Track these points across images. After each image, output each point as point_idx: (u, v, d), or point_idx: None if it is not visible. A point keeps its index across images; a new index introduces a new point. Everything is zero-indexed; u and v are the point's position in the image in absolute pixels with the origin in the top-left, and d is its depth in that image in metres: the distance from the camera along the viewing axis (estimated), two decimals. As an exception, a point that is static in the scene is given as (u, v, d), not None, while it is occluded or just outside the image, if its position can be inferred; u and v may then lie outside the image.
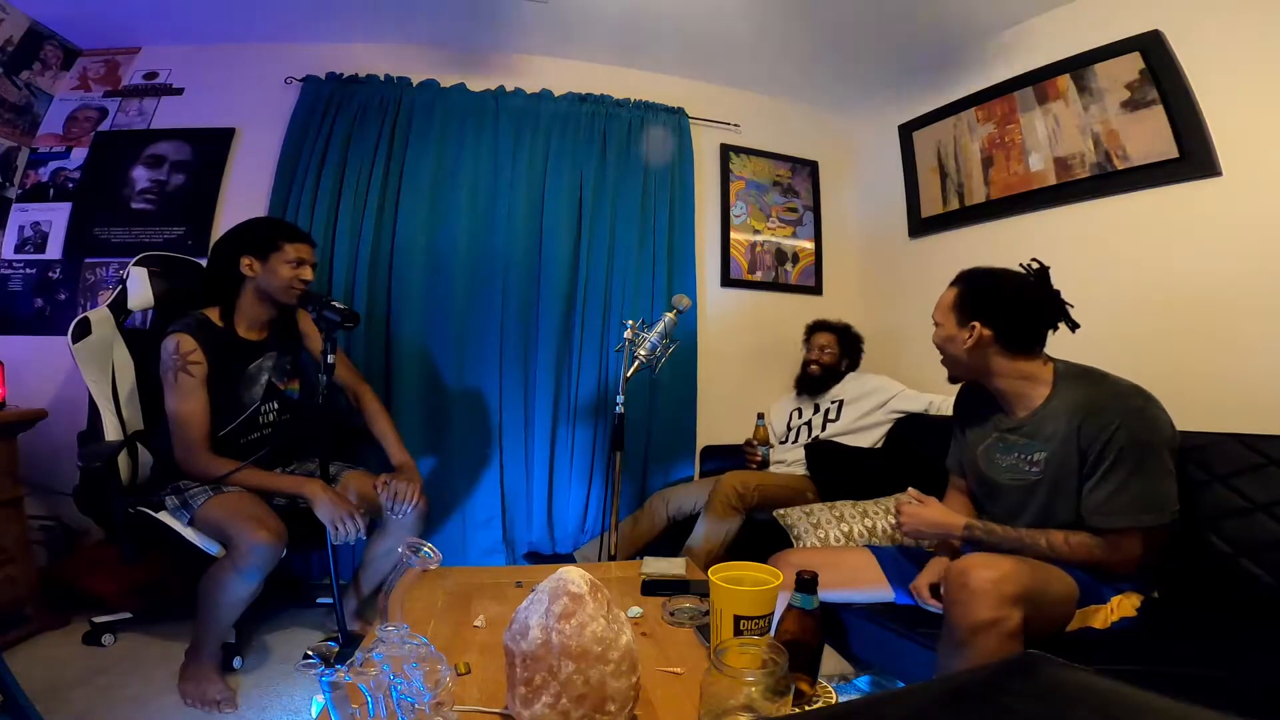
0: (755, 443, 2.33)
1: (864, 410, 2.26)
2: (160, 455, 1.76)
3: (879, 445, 2.23)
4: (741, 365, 2.85)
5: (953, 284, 1.35)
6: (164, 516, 1.57)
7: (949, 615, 1.07)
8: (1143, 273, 1.88)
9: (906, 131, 2.70)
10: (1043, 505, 1.23)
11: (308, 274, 1.69)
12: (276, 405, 1.77)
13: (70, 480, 1.72)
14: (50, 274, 2.37)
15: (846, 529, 1.77)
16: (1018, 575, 1.04)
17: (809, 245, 3.01)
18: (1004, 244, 2.31)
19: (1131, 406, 1.14)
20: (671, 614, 1.23)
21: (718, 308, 2.84)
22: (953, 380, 1.43)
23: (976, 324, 1.26)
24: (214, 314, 1.68)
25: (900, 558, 1.44)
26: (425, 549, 0.82)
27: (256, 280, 1.67)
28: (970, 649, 1.00)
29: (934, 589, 1.28)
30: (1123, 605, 1.15)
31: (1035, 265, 1.29)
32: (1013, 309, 1.25)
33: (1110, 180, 1.96)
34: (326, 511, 1.53)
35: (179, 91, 2.50)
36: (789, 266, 2.96)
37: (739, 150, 2.90)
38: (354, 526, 1.53)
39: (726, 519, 1.95)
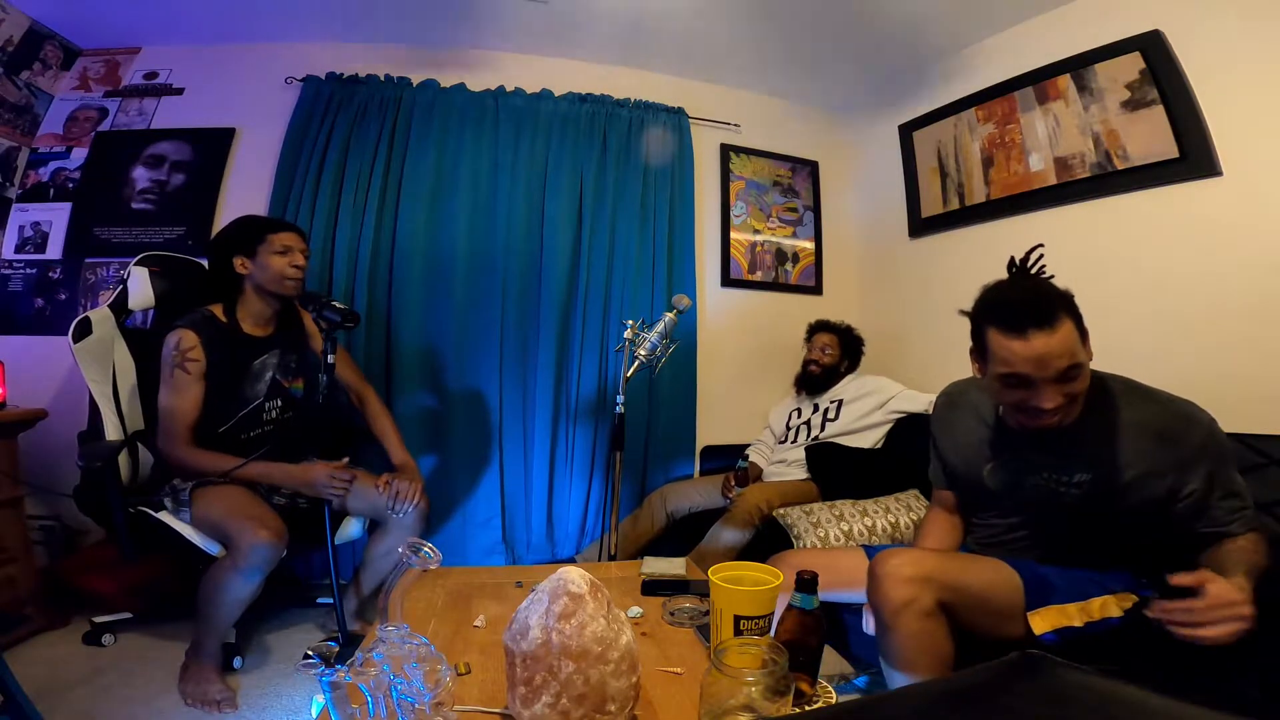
0: (734, 484, 2.24)
1: (863, 410, 2.26)
2: (161, 455, 1.76)
3: (879, 445, 2.23)
4: (741, 365, 2.85)
5: (1054, 320, 1.02)
6: (164, 516, 1.57)
7: (872, 604, 1.14)
8: (1142, 272, 1.88)
9: (906, 131, 2.70)
10: (1080, 523, 1.17)
11: (299, 260, 1.71)
12: (280, 403, 1.78)
13: (70, 480, 1.72)
14: (50, 274, 2.37)
15: (846, 528, 1.77)
16: (921, 559, 1.12)
17: (809, 245, 3.01)
18: (1004, 244, 2.26)
19: (1203, 418, 1.09)
20: (671, 614, 1.23)
21: (718, 308, 2.84)
22: (1060, 424, 1.12)
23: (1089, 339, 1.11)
24: (219, 310, 1.71)
25: None
26: (425, 549, 0.82)
27: (252, 276, 1.69)
28: (894, 631, 1.07)
29: None
30: (1107, 605, 1.14)
31: (1026, 259, 1.17)
32: None
33: (1110, 180, 1.96)
34: (312, 488, 1.58)
35: (179, 91, 2.50)
36: (789, 266, 2.96)
37: (739, 150, 2.90)
38: (341, 483, 1.57)
39: (746, 530, 1.98)
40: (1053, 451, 1.16)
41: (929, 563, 1.11)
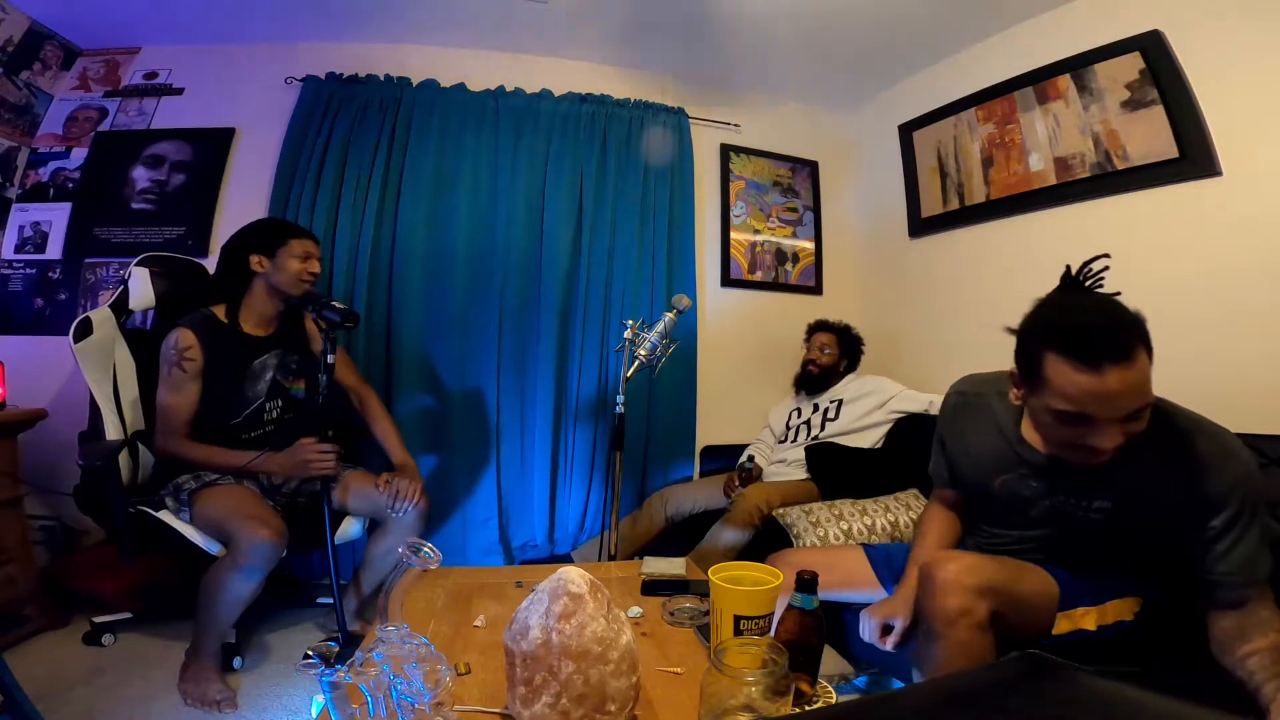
0: (737, 484, 2.24)
1: (863, 410, 2.26)
2: (158, 451, 1.77)
3: (879, 445, 2.23)
4: (741, 365, 2.85)
5: (1131, 353, 0.88)
6: (165, 515, 1.57)
7: (923, 610, 1.07)
8: (1142, 273, 1.87)
9: (906, 131, 2.70)
10: (1093, 542, 1.12)
11: (315, 267, 1.74)
12: (281, 403, 1.78)
13: (70, 480, 1.72)
14: (50, 274, 2.37)
15: (845, 527, 1.77)
16: (981, 568, 1.05)
17: (809, 245, 3.01)
18: (1004, 244, 2.31)
19: (1244, 455, 1.00)
20: (671, 614, 1.23)
21: (718, 308, 2.84)
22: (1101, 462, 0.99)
23: None
24: (220, 311, 1.71)
25: (891, 557, 1.41)
26: (425, 549, 0.82)
27: (266, 276, 1.71)
28: (944, 640, 1.03)
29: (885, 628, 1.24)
30: (1119, 609, 1.13)
31: (1086, 269, 1.01)
32: None
33: (1110, 180, 1.96)
34: (303, 468, 1.59)
35: (179, 91, 2.50)
36: (789, 266, 2.96)
37: (739, 150, 2.90)
38: (325, 455, 1.58)
39: (746, 530, 1.98)
40: (1075, 476, 1.06)
41: (989, 571, 1.05)
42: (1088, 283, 1.00)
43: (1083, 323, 0.91)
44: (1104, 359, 0.87)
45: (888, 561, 1.40)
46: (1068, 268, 1.01)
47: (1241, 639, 0.96)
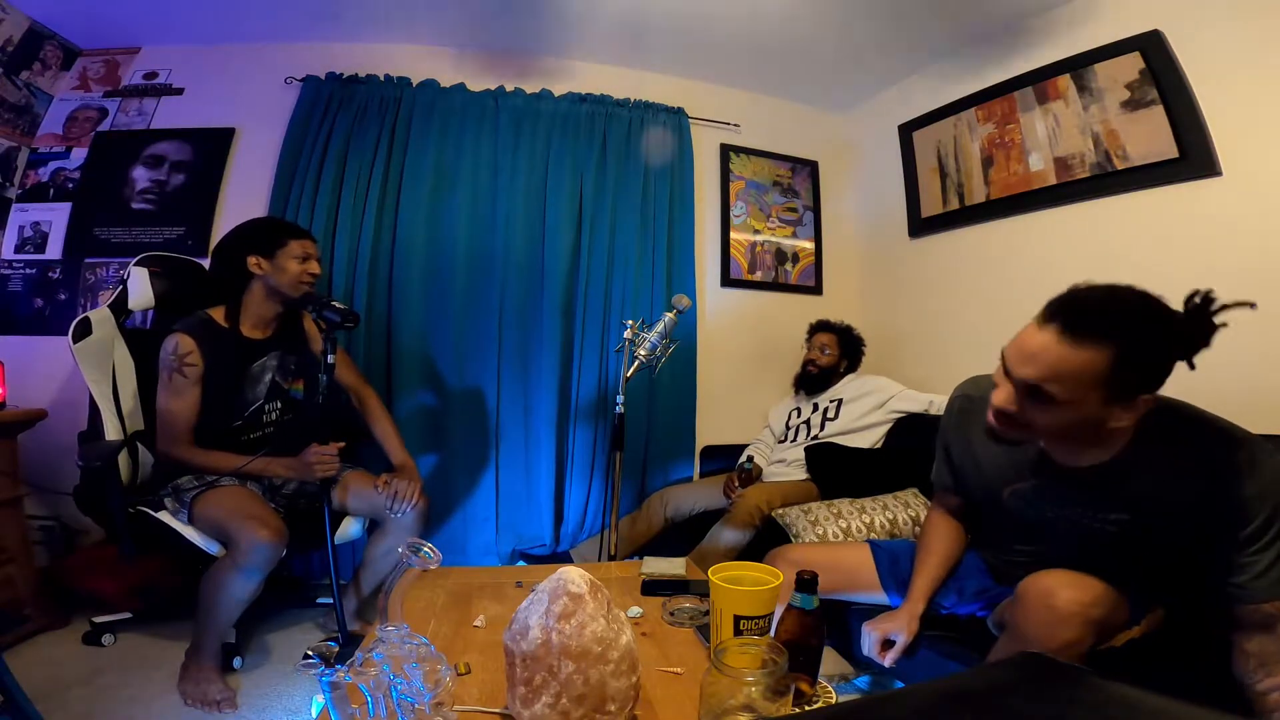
0: (737, 484, 2.24)
1: (863, 410, 2.26)
2: (161, 456, 1.76)
3: (878, 445, 2.23)
4: (741, 365, 2.85)
5: (1082, 337, 0.87)
6: (164, 516, 1.57)
7: (1023, 633, 1.00)
8: (1142, 273, 1.84)
9: (906, 131, 2.70)
10: (1110, 557, 1.06)
11: (315, 268, 1.73)
12: (280, 404, 1.78)
13: (70, 480, 1.72)
14: (50, 274, 2.37)
15: (844, 525, 1.77)
16: (1106, 600, 0.98)
17: (809, 245, 3.01)
18: (1004, 244, 2.31)
19: (1271, 461, 0.95)
20: (671, 614, 1.23)
21: (718, 308, 2.84)
22: (998, 437, 1.02)
23: (1142, 398, 0.92)
24: (218, 313, 1.70)
25: (896, 560, 1.39)
26: (425, 549, 0.82)
27: (265, 278, 1.69)
28: None
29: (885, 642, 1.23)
30: (1149, 623, 1.11)
31: (1198, 300, 0.97)
32: (1169, 367, 0.92)
33: (1110, 180, 1.96)
34: (308, 471, 1.58)
35: (179, 91, 2.50)
36: (789, 266, 2.96)
37: (739, 150, 2.90)
38: (329, 457, 1.57)
39: (746, 530, 1.98)
40: (1089, 485, 1.02)
41: (1109, 603, 0.99)
42: (1209, 309, 0.96)
43: (1079, 293, 0.92)
44: (1055, 319, 0.89)
45: (893, 564, 1.38)
46: (1192, 293, 0.97)
47: (1262, 669, 0.92)
